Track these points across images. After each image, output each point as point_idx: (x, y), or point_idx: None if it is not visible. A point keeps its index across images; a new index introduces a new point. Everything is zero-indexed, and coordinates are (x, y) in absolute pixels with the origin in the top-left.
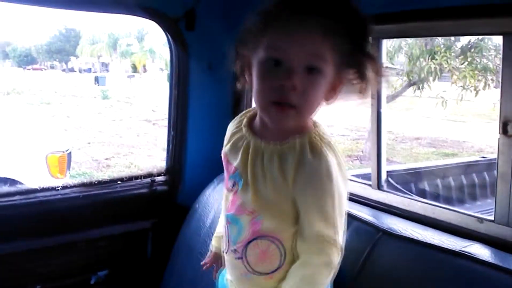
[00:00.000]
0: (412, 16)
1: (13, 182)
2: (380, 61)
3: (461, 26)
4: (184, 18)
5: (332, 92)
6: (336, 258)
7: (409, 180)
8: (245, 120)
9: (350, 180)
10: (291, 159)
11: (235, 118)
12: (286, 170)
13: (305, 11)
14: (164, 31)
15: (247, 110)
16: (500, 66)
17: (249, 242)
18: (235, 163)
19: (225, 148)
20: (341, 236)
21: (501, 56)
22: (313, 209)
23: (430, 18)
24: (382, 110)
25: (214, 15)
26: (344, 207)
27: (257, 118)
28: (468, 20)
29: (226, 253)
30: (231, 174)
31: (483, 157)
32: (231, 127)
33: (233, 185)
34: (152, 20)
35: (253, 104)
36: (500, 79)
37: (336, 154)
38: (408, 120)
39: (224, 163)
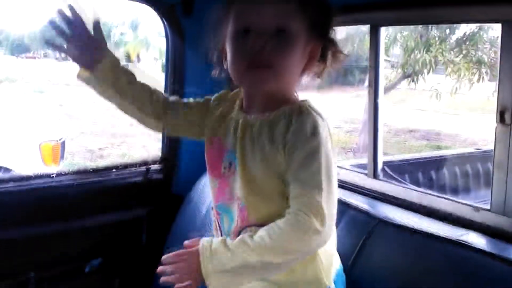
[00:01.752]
0: (411, 3)
1: (6, 170)
2: (339, 47)
3: (460, 13)
4: (181, 3)
5: (310, 61)
6: (317, 223)
7: (403, 171)
8: (237, 101)
9: (346, 169)
10: (280, 125)
11: (219, 94)
12: (275, 137)
13: None
14: (160, 17)
15: (236, 91)
16: (497, 56)
17: (240, 232)
18: (227, 143)
19: (219, 131)
20: (326, 199)
21: (495, 49)
22: (298, 168)
23: (429, 5)
24: (379, 100)
25: (212, 2)
26: (333, 170)
27: (245, 96)
28: (467, 7)
29: None
30: (226, 155)
31: (477, 149)
32: (223, 101)
33: (230, 165)
34: (148, 5)
35: None
36: (494, 72)
37: (325, 121)
38: (402, 113)
39: (213, 148)
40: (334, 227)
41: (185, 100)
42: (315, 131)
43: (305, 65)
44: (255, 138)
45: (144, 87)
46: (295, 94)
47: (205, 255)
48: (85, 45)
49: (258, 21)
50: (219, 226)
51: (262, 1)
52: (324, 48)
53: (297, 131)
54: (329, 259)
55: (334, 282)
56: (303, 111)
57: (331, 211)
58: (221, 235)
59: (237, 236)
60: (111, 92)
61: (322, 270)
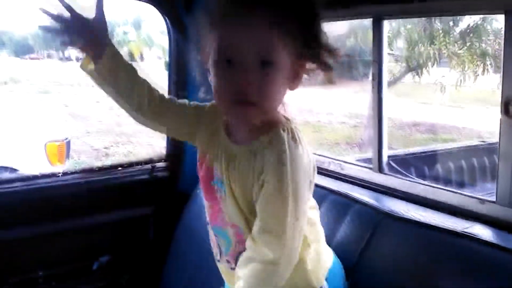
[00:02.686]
0: None
1: (12, 171)
2: (332, 46)
3: (463, 4)
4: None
5: (296, 79)
6: (280, 254)
7: (409, 165)
8: (223, 122)
9: (351, 163)
10: (259, 158)
11: (212, 106)
12: (256, 168)
13: (249, 4)
14: (162, 14)
15: None
16: (501, 48)
17: (239, 254)
18: (215, 168)
19: (208, 154)
20: (290, 230)
21: (500, 41)
22: (262, 200)
23: None
24: (383, 94)
25: None
26: (302, 198)
27: (230, 122)
28: None
29: (219, 262)
30: (215, 181)
31: (483, 141)
32: (208, 119)
33: (219, 191)
34: (149, 3)
35: None
36: (499, 64)
37: (301, 147)
38: (407, 107)
39: (203, 171)
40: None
41: (181, 100)
42: (280, 161)
43: (291, 84)
44: (239, 169)
45: (144, 81)
46: (280, 112)
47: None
48: (86, 31)
49: (240, 54)
50: (217, 245)
51: (244, 32)
52: (316, 57)
53: (267, 165)
54: (316, 260)
55: (327, 280)
56: (276, 140)
57: (293, 246)
58: (221, 253)
59: (235, 259)
60: (113, 81)
61: (311, 274)
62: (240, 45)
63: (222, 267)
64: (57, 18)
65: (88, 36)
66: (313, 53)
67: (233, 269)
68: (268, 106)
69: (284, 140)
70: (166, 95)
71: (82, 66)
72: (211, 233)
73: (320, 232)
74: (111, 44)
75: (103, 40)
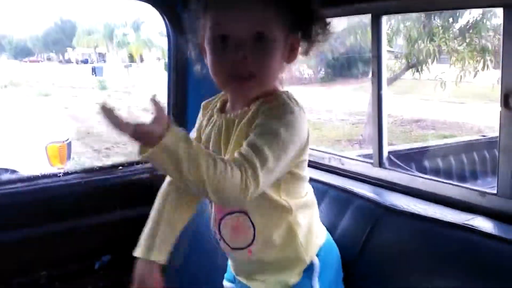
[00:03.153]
0: None
1: (13, 172)
2: (325, 21)
3: None
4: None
5: (292, 53)
6: (250, 181)
7: (410, 160)
8: (218, 104)
9: (351, 159)
10: (256, 114)
11: (209, 100)
12: (247, 124)
13: None
14: (160, 13)
15: (218, 95)
16: (500, 42)
17: (220, 222)
18: (210, 146)
19: (203, 137)
20: (263, 170)
21: (499, 36)
22: (254, 135)
23: None
24: (383, 90)
25: None
26: (287, 150)
27: (229, 98)
28: None
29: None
30: None
31: (483, 136)
32: (206, 110)
33: None
34: (148, 3)
35: None
36: (499, 60)
37: (300, 108)
38: (407, 103)
39: None
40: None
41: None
42: (281, 113)
43: (287, 58)
44: (238, 133)
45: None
46: (277, 85)
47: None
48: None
49: (236, 28)
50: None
51: (238, 7)
52: (307, 28)
53: (264, 112)
54: (308, 236)
55: (317, 256)
56: (276, 98)
57: (265, 181)
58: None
59: (218, 227)
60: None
61: (301, 247)
62: (235, 20)
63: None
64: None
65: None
66: (307, 27)
67: (220, 240)
68: (265, 80)
69: (283, 97)
70: None
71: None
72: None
73: (314, 212)
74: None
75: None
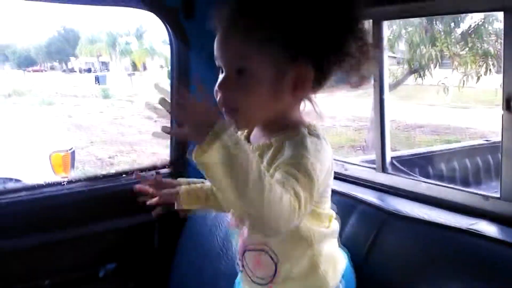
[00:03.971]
0: None
1: (17, 182)
2: (366, 40)
3: (462, 3)
4: (182, 7)
5: (298, 88)
6: (296, 205)
7: (413, 165)
8: (245, 132)
9: (355, 164)
10: (274, 149)
11: None
12: (271, 160)
13: (232, 14)
14: (163, 21)
15: None
16: (502, 45)
17: (243, 254)
18: None
19: None
20: (303, 195)
21: (501, 40)
22: (282, 168)
23: None
24: (385, 95)
25: (213, 4)
26: (316, 175)
27: None
28: None
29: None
30: None
31: (487, 140)
32: None
33: None
34: (150, 11)
35: None
36: (501, 64)
37: (325, 143)
38: (410, 108)
39: None
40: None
41: None
42: (303, 145)
43: (295, 90)
44: None
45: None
46: (299, 117)
47: (225, 124)
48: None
49: (224, 62)
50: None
51: (224, 41)
52: (316, 58)
53: (289, 146)
54: (331, 264)
55: (340, 282)
56: (300, 132)
57: (307, 204)
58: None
59: (242, 259)
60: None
61: (324, 277)
62: (220, 54)
63: (239, 271)
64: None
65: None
66: (315, 55)
67: (242, 271)
68: (251, 113)
69: (305, 132)
70: None
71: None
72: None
73: (335, 238)
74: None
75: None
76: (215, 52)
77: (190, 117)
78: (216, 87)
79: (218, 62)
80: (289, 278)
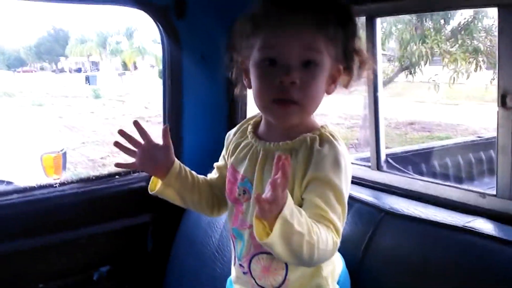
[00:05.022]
0: None
1: (8, 184)
2: (366, 55)
3: None
4: (174, 6)
5: (332, 85)
6: (337, 240)
7: (407, 162)
8: (250, 127)
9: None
10: (301, 153)
11: (234, 128)
12: (297, 165)
13: (294, 7)
14: (154, 21)
15: (247, 119)
16: (493, 44)
17: (252, 257)
18: (242, 170)
19: (232, 159)
20: (341, 225)
21: (491, 37)
22: (316, 195)
23: None
24: (379, 92)
25: (205, 5)
26: (346, 199)
27: (262, 123)
28: None
29: (234, 266)
30: (240, 182)
31: (479, 137)
32: (231, 138)
33: (244, 192)
34: (141, 9)
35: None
36: (491, 61)
37: (342, 146)
38: (401, 106)
39: (229, 174)
40: None
41: (214, 168)
42: (336, 161)
43: (327, 89)
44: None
45: (200, 179)
46: (313, 118)
47: (291, 206)
48: (154, 155)
49: (285, 54)
50: (234, 248)
51: (290, 32)
52: (349, 61)
53: (317, 162)
54: (331, 268)
55: (338, 283)
56: (324, 139)
57: (340, 227)
58: (235, 257)
59: (249, 261)
60: (184, 193)
61: (325, 280)
62: (286, 44)
63: (236, 271)
64: (135, 142)
65: (157, 160)
66: (350, 58)
67: (245, 273)
68: (309, 106)
69: (330, 138)
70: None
71: (150, 189)
72: (231, 236)
73: None
74: (176, 166)
75: (169, 164)
76: (273, 41)
77: (273, 209)
78: (278, 78)
79: (274, 53)
80: (296, 283)
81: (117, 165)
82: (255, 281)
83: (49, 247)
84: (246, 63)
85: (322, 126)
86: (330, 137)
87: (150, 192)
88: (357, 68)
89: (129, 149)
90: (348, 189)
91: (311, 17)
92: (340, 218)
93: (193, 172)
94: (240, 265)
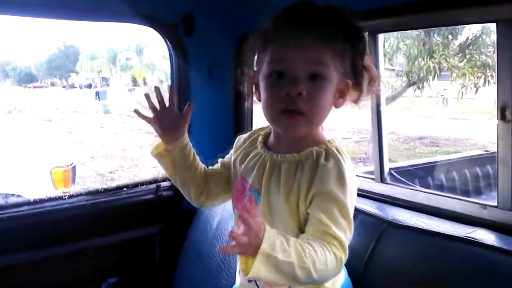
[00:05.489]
0: (407, 9)
1: (18, 197)
2: (375, 72)
3: (456, 15)
4: (182, 23)
5: (340, 99)
6: (342, 255)
7: (413, 176)
8: (260, 138)
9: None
10: (308, 166)
11: (246, 135)
12: (302, 178)
13: (303, 23)
14: (163, 37)
15: (258, 128)
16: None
17: None
18: (250, 180)
19: (242, 168)
20: (346, 239)
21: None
22: (320, 210)
23: (425, 10)
24: (382, 106)
25: (212, 21)
26: (352, 213)
27: (272, 134)
28: (463, 9)
29: (239, 274)
30: (247, 191)
31: (486, 151)
32: (242, 143)
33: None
34: (150, 27)
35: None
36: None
37: (349, 161)
38: (410, 120)
39: (236, 183)
40: None
41: (218, 162)
42: (341, 176)
43: (335, 103)
44: (281, 178)
45: (200, 166)
46: (321, 131)
47: (268, 237)
48: (170, 120)
49: (293, 67)
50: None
51: (298, 46)
52: (357, 76)
53: (322, 176)
54: (333, 280)
55: None
56: (330, 153)
57: (347, 241)
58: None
59: None
60: (178, 169)
61: None
62: (293, 58)
63: (241, 278)
64: (153, 108)
65: (171, 124)
66: (359, 74)
67: (250, 281)
68: (315, 117)
69: (335, 153)
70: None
71: (151, 152)
72: None
73: None
74: (184, 139)
75: (179, 134)
76: (281, 55)
77: (252, 241)
78: (286, 90)
79: (281, 66)
80: None
81: (136, 111)
82: None
83: (58, 258)
84: (257, 77)
85: (329, 141)
86: (336, 152)
87: (150, 154)
88: (366, 84)
89: (147, 116)
90: (353, 204)
91: (319, 33)
92: (345, 233)
93: (197, 157)
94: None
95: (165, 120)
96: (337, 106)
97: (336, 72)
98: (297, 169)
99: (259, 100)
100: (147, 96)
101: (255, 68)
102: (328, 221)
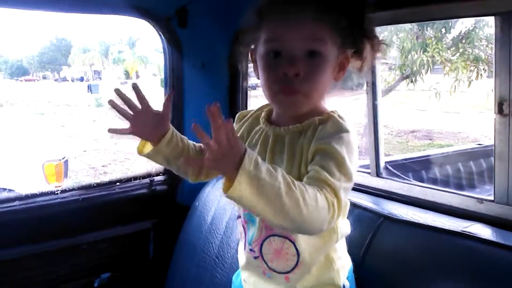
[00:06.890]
0: (404, 2)
1: (10, 192)
2: (376, 37)
3: (454, 9)
4: (176, 15)
5: (340, 72)
6: (334, 200)
7: (407, 170)
8: (263, 114)
9: None
10: (310, 132)
11: (249, 111)
12: (304, 143)
13: (297, 0)
14: (156, 30)
15: (261, 106)
16: (493, 51)
17: (264, 240)
18: (258, 153)
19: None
20: (341, 188)
21: (492, 46)
22: (316, 164)
23: (422, 3)
24: (378, 100)
25: (206, 13)
26: (350, 171)
27: (274, 111)
28: (460, 2)
29: (244, 251)
30: None
31: (479, 144)
32: (244, 120)
33: None
34: (144, 19)
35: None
36: (492, 69)
37: (352, 128)
38: (403, 114)
39: None
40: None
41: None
42: (339, 136)
43: (335, 77)
44: (285, 149)
45: (190, 146)
46: (323, 103)
47: (251, 155)
48: (150, 121)
49: (289, 45)
50: (245, 233)
51: (293, 24)
52: (358, 45)
53: (321, 136)
54: (342, 261)
55: (348, 279)
56: (331, 119)
57: (344, 199)
58: (245, 243)
59: (260, 245)
60: (170, 159)
61: (337, 274)
62: (289, 36)
63: (246, 257)
64: (130, 105)
65: (151, 127)
66: (359, 42)
67: (256, 258)
68: (314, 95)
69: (336, 118)
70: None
71: (138, 150)
72: (240, 222)
73: (343, 240)
74: (168, 134)
75: (163, 132)
76: (276, 34)
77: (223, 149)
78: (283, 70)
79: (277, 45)
80: (308, 272)
81: (110, 130)
82: (267, 265)
83: (50, 253)
84: (254, 55)
85: (332, 111)
86: (338, 117)
87: (138, 154)
88: (369, 51)
89: (123, 111)
90: (354, 164)
91: (313, 7)
92: (339, 181)
93: (185, 139)
94: (251, 249)
95: (145, 120)
96: (337, 79)
97: (334, 46)
98: (300, 137)
99: (258, 78)
100: (135, 86)
101: (252, 46)
102: (320, 170)
